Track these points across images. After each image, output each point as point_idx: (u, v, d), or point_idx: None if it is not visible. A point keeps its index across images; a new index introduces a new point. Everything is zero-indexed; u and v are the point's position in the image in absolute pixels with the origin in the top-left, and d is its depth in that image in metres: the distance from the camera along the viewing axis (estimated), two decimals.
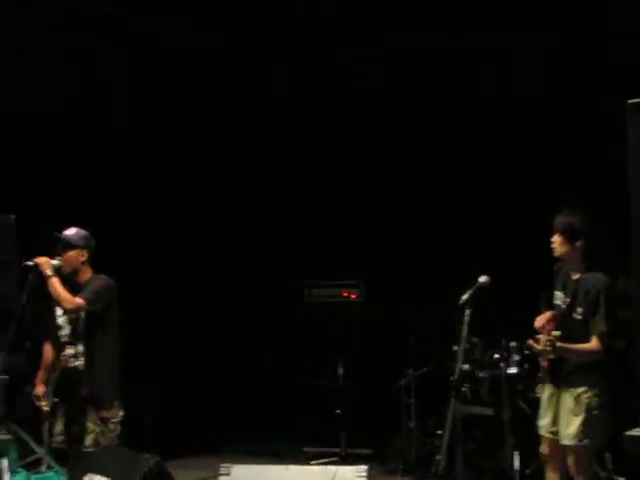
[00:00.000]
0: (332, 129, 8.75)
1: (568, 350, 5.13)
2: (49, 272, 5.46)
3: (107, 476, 4.82)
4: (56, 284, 5.46)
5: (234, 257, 9.32)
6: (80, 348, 5.57)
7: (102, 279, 5.67)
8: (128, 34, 7.74)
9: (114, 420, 5.50)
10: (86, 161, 8.08)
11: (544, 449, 5.35)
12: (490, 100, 7.80)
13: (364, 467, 4.60)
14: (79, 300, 5.47)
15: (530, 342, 5.20)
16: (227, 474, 4.76)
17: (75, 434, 5.55)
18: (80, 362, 5.53)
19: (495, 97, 7.78)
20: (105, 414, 5.46)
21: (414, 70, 8.00)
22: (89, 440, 5.40)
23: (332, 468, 4.68)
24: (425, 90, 8.08)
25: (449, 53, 7.71)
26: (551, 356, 5.18)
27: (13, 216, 6.96)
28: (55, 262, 5.55)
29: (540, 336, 5.13)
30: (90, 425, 5.41)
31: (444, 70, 7.90)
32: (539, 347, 5.11)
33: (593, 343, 5.11)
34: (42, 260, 5.50)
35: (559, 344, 5.05)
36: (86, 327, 5.59)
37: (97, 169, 8.19)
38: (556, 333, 5.07)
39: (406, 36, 7.57)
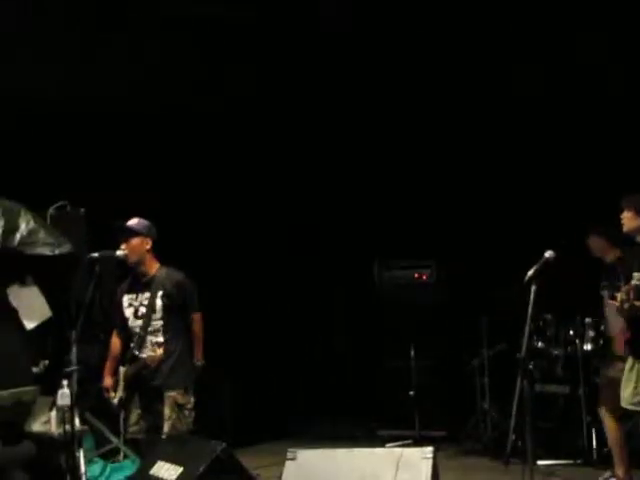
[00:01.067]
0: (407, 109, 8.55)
1: None
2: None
3: (176, 463, 4.87)
4: (199, 348, 5.74)
5: (305, 239, 9.24)
6: (155, 339, 5.65)
7: (186, 281, 5.76)
8: None
9: (189, 406, 5.59)
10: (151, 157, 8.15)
11: None
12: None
13: (430, 449, 4.53)
14: (200, 316, 5.74)
15: (609, 301, 5.07)
16: (293, 459, 4.75)
17: (150, 423, 5.64)
18: (159, 351, 5.60)
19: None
20: (181, 400, 5.54)
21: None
22: (167, 427, 5.48)
23: (398, 450, 4.62)
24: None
25: None
26: (627, 306, 4.97)
27: (83, 209, 7.15)
28: (120, 252, 5.63)
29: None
30: (168, 412, 5.50)
31: None
32: (617, 302, 4.98)
33: None
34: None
35: (634, 303, 4.90)
36: (162, 319, 5.65)
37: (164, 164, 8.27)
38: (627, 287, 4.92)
39: None
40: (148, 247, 5.76)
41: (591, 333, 7.01)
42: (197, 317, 5.75)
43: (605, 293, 6.08)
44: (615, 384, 5.61)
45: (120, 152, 7.89)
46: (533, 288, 5.03)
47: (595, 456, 6.80)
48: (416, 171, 8.78)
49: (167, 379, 5.56)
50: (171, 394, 5.53)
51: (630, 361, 5.25)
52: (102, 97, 7.40)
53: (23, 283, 6.59)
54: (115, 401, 5.68)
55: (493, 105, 7.89)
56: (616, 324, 5.92)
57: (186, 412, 5.56)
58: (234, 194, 8.85)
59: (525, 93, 7.64)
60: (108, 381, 5.80)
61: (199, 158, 8.44)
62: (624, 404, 5.28)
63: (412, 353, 7.97)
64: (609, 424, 6.02)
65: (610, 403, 5.85)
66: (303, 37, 7.06)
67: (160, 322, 5.66)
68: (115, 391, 5.71)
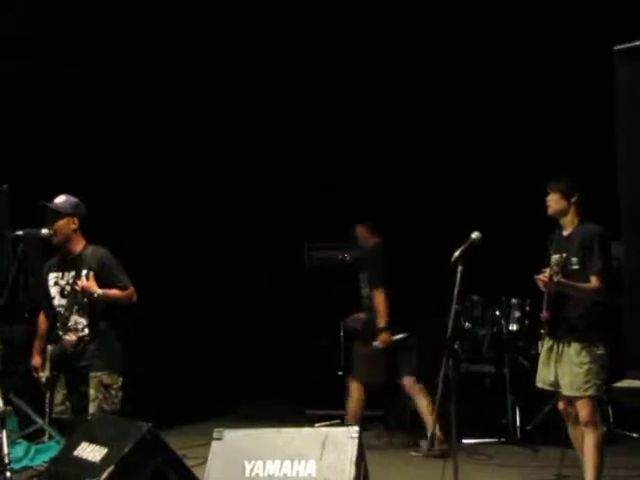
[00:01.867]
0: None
1: (569, 285, 5.05)
2: (95, 295, 5.43)
3: (101, 444, 4.81)
4: (109, 294, 5.48)
5: (236, 223, 9.27)
6: (79, 319, 5.56)
7: (109, 256, 5.63)
8: None
9: (115, 386, 5.52)
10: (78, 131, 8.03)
11: (560, 405, 5.33)
12: None
13: (356, 428, 4.55)
14: (131, 291, 5.55)
15: (536, 276, 5.11)
16: (220, 438, 4.73)
17: (76, 403, 5.56)
18: (81, 333, 5.52)
19: None
20: (107, 380, 5.48)
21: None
22: (93, 407, 5.41)
23: (324, 430, 4.64)
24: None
25: None
26: (554, 281, 5.04)
27: (6, 186, 7.00)
28: (45, 231, 5.52)
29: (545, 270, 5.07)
30: (93, 392, 5.42)
31: None
32: (542, 278, 5.05)
33: (593, 282, 5.07)
34: (86, 285, 5.46)
35: (561, 279, 5.00)
36: (87, 299, 5.54)
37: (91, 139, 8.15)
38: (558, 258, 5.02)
39: None
40: (75, 227, 5.65)
41: (517, 314, 7.15)
42: (131, 291, 5.60)
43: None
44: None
45: (49, 126, 7.78)
46: (459, 269, 5.08)
47: (518, 434, 6.95)
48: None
49: (92, 359, 5.48)
50: (96, 374, 5.45)
51: (549, 341, 5.31)
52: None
53: None
54: (43, 380, 5.60)
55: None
56: None
57: (112, 392, 5.49)
58: (165, 178, 8.81)
59: None
60: (37, 360, 5.70)
61: (136, 138, 8.38)
62: (540, 384, 5.35)
63: (341, 333, 8.03)
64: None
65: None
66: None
67: (85, 301, 5.57)
68: (43, 371, 5.62)
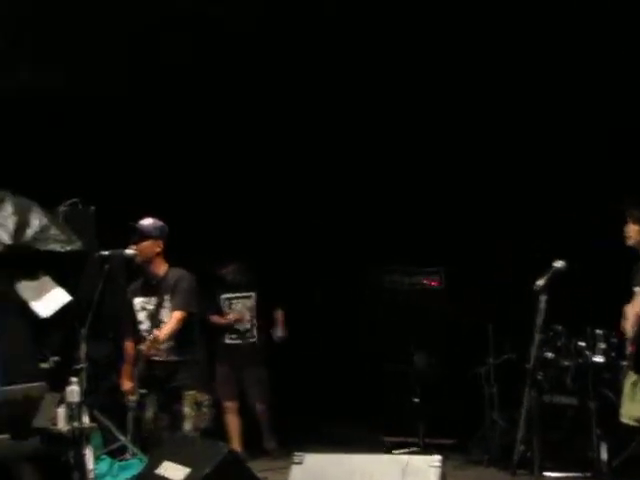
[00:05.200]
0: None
1: None
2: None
3: (182, 464, 4.86)
4: (166, 333, 5.54)
5: (314, 241, 9.14)
6: (169, 342, 5.64)
7: (185, 278, 5.74)
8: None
9: (207, 404, 5.65)
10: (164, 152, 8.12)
11: None
12: None
13: (438, 457, 4.51)
14: (178, 314, 5.59)
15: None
16: (299, 462, 4.74)
17: (166, 422, 5.71)
18: (172, 356, 5.61)
19: None
20: (200, 398, 5.57)
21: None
22: (188, 425, 5.58)
23: (405, 457, 4.60)
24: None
25: None
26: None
27: (93, 208, 7.15)
28: (129, 252, 5.62)
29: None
30: (188, 410, 5.59)
31: None
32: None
33: None
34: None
35: None
36: None
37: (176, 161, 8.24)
38: None
39: None
40: (158, 250, 5.78)
41: (602, 345, 6.96)
42: (178, 315, 5.65)
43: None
44: None
45: (132, 149, 7.88)
46: (543, 298, 4.99)
47: (605, 469, 6.74)
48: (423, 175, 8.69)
49: (185, 379, 5.59)
50: (190, 392, 5.59)
51: (633, 376, 5.15)
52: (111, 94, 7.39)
53: (34, 277, 6.60)
54: (133, 404, 5.70)
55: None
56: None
57: (204, 409, 5.63)
58: (251, 193, 8.80)
59: None
60: (127, 384, 5.87)
61: (210, 156, 8.39)
62: (625, 419, 5.20)
63: (417, 359, 7.95)
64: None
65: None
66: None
67: None
68: (133, 394, 5.73)
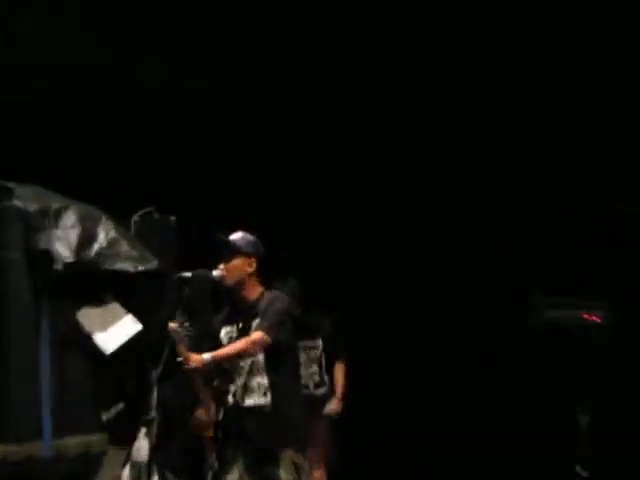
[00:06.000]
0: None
1: None
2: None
3: None
4: (218, 357, 4.61)
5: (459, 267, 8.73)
6: (259, 380, 4.63)
7: (279, 298, 4.75)
8: None
9: (305, 467, 4.64)
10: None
11: None
12: None
13: None
14: (257, 335, 4.57)
15: None
16: None
17: None
18: (262, 400, 4.58)
19: None
20: (297, 459, 4.60)
21: None
22: None
23: None
24: None
25: None
26: None
27: (174, 217, 6.19)
28: (217, 272, 4.66)
29: None
30: (284, 475, 4.54)
31: None
32: None
33: None
34: (193, 358, 4.61)
35: None
36: (266, 356, 4.66)
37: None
38: None
39: None
40: (251, 270, 4.80)
41: None
42: (256, 335, 4.62)
43: None
44: None
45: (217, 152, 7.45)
46: None
47: None
48: None
49: (279, 436, 4.52)
50: (288, 453, 4.55)
51: None
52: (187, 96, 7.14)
53: (99, 302, 5.59)
54: (213, 462, 4.84)
55: None
56: None
57: (304, 476, 4.60)
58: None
59: None
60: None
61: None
62: None
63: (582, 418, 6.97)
64: None
65: None
66: None
67: (261, 359, 4.63)
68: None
